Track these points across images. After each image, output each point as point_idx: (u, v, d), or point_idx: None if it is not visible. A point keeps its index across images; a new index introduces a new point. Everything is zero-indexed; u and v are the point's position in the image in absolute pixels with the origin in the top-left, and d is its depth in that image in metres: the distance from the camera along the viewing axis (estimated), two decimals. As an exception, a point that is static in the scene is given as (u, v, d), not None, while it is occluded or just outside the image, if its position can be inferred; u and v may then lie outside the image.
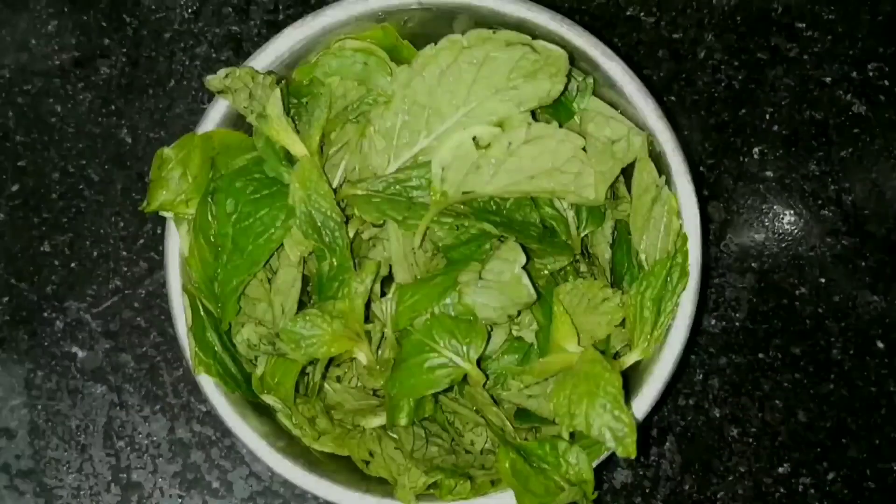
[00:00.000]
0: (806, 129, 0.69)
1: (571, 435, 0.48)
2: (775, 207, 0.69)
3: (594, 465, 0.50)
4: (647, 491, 0.67)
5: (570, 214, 0.55)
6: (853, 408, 0.67)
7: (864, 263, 0.68)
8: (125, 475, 0.68)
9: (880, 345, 0.68)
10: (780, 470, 0.67)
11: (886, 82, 0.69)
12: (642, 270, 0.53)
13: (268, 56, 0.54)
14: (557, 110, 0.54)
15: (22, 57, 0.71)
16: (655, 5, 0.70)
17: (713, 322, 0.68)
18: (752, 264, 0.68)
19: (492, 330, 0.52)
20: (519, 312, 0.52)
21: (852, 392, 0.68)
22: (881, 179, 0.69)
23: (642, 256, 0.54)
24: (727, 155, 0.69)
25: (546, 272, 0.53)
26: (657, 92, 0.69)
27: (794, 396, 0.68)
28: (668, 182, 0.53)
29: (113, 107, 0.70)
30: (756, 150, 0.69)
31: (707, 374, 0.68)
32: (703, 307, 0.68)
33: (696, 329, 0.68)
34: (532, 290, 0.49)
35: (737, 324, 0.68)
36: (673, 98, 0.70)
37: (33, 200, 0.70)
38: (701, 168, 0.69)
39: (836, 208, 0.69)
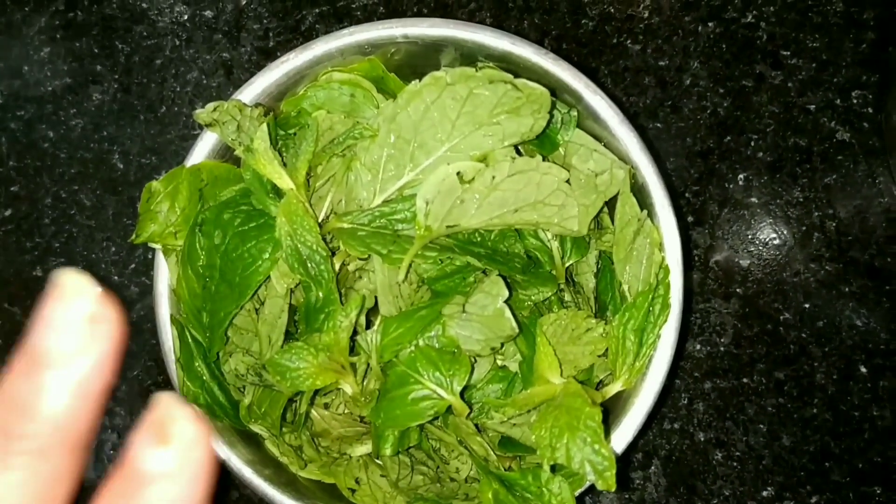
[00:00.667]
0: (790, 155, 0.70)
1: (552, 467, 0.48)
2: (760, 233, 0.70)
3: (576, 494, 0.50)
4: (633, 514, 0.68)
5: (555, 245, 0.55)
6: (837, 432, 0.68)
7: (847, 289, 0.69)
8: (116, 498, 0.68)
9: (863, 370, 0.68)
10: (765, 493, 0.68)
11: (870, 110, 0.70)
12: (625, 301, 0.54)
13: (256, 88, 0.55)
14: (542, 142, 0.55)
15: (15, 83, 0.71)
16: (641, 33, 0.71)
17: (698, 347, 0.69)
18: (737, 289, 0.69)
19: (476, 361, 0.53)
20: (502, 344, 0.52)
21: (836, 416, 0.68)
22: (865, 206, 0.69)
23: (625, 287, 0.55)
24: (712, 181, 0.70)
25: (530, 303, 0.54)
26: (643, 118, 0.70)
27: (778, 420, 0.68)
28: (651, 214, 0.54)
29: (105, 132, 0.71)
30: (741, 176, 0.70)
31: (692, 398, 0.69)
32: (687, 332, 0.69)
33: (681, 354, 0.69)
34: (514, 324, 0.50)
35: (721, 348, 0.69)
36: (659, 125, 0.71)
37: (26, 225, 0.70)
38: (686, 194, 0.70)
39: (820, 234, 0.69)
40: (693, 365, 0.69)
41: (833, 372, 0.68)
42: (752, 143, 0.70)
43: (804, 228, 0.70)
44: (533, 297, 0.54)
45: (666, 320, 0.53)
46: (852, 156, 0.70)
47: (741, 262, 0.69)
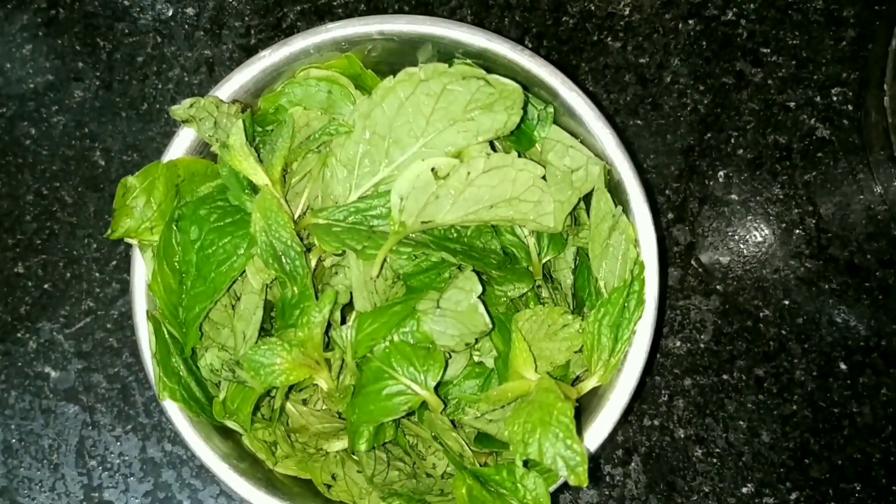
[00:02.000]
0: (770, 152, 0.70)
1: (525, 462, 0.48)
2: (740, 230, 0.70)
3: (552, 489, 0.50)
4: (613, 510, 0.68)
5: (531, 241, 0.56)
6: (816, 428, 0.68)
7: (827, 286, 0.69)
8: (97, 494, 0.69)
9: (843, 366, 0.69)
10: (744, 490, 0.68)
11: (849, 107, 0.70)
12: (601, 297, 0.54)
13: (233, 84, 0.55)
14: (518, 139, 0.55)
15: (-4, 80, 0.72)
16: (622, 30, 0.71)
17: (678, 343, 0.69)
18: (717, 286, 0.69)
19: (451, 357, 0.53)
20: (477, 340, 0.52)
21: (815, 413, 0.68)
22: (844, 203, 0.70)
23: (601, 283, 0.55)
24: (693, 178, 0.70)
25: (506, 298, 0.54)
26: (624, 115, 0.70)
27: (758, 417, 0.68)
28: (627, 210, 0.54)
29: (86, 129, 0.71)
30: (721, 173, 0.70)
31: (672, 395, 0.69)
32: (660, 332, 0.69)
33: (660, 350, 0.69)
34: (488, 320, 0.50)
35: (701, 345, 0.69)
36: (639, 122, 0.71)
37: (7, 222, 0.70)
38: (667, 191, 0.70)
39: (801, 231, 0.70)
40: (673, 362, 0.69)
41: (813, 369, 0.69)
42: (733, 141, 0.70)
43: (784, 225, 0.70)
44: (509, 293, 0.54)
45: (641, 316, 0.53)
46: (832, 153, 0.70)
47: (721, 258, 0.70)
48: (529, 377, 0.51)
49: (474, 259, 0.52)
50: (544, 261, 0.56)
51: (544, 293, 0.57)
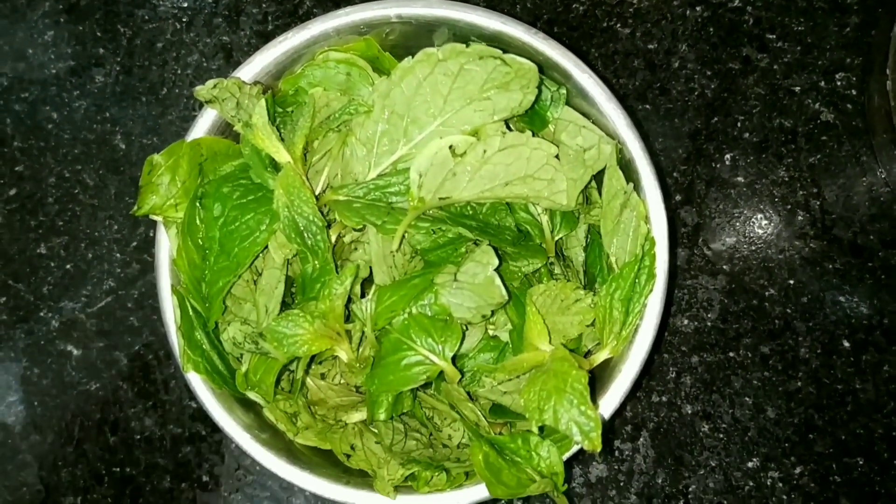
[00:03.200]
0: (776, 136, 0.72)
1: (541, 429, 0.50)
2: (746, 212, 0.71)
3: (565, 458, 0.52)
4: (622, 484, 0.70)
5: (545, 219, 0.57)
6: (820, 405, 0.70)
7: (831, 266, 0.71)
8: (118, 469, 0.70)
9: (846, 344, 0.70)
10: (750, 464, 0.70)
11: (853, 91, 0.72)
12: (612, 273, 0.55)
13: (255, 67, 0.57)
14: (532, 119, 0.57)
15: (19, 66, 0.73)
16: (631, 17, 0.73)
17: (685, 322, 0.71)
18: (724, 266, 0.71)
19: (467, 329, 0.55)
20: (493, 312, 0.54)
21: (819, 389, 0.70)
22: (848, 185, 0.71)
23: (612, 259, 0.56)
24: (700, 161, 0.72)
25: (520, 274, 0.56)
26: (632, 100, 0.72)
27: (764, 394, 0.70)
28: (637, 188, 0.55)
29: (107, 114, 0.73)
30: (728, 156, 0.72)
31: (679, 372, 0.70)
32: (669, 307, 0.71)
33: (666, 328, 0.70)
34: (504, 292, 0.52)
35: (708, 324, 0.71)
36: (648, 106, 0.72)
37: (30, 204, 0.72)
38: (674, 174, 0.72)
39: (805, 213, 0.71)
40: (680, 340, 0.71)
41: (817, 346, 0.70)
42: (739, 124, 0.72)
43: (789, 207, 0.71)
44: (523, 269, 0.56)
45: (651, 290, 0.54)
46: (836, 136, 0.72)
47: (728, 239, 0.71)
48: (544, 348, 0.53)
49: (490, 235, 0.54)
50: (557, 238, 0.58)
51: (556, 269, 0.58)
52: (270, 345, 0.52)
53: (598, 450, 0.48)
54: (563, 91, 0.57)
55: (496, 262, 0.52)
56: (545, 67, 0.57)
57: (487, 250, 0.52)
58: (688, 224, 0.72)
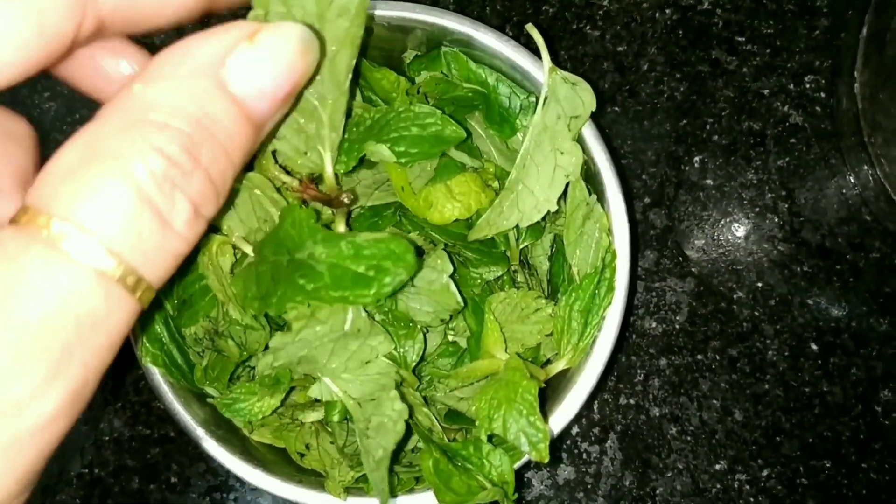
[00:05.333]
0: (745, 138, 0.72)
1: (489, 437, 0.50)
2: (715, 214, 0.71)
3: (516, 467, 0.52)
4: (589, 486, 0.70)
5: (510, 227, 0.57)
6: (788, 407, 0.70)
7: (799, 269, 0.71)
8: (87, 470, 0.71)
9: (814, 347, 0.70)
10: (717, 467, 0.70)
11: (822, 94, 0.72)
12: (573, 283, 0.56)
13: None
14: (502, 127, 0.57)
15: (-11, 68, 0.73)
16: (601, 19, 0.73)
17: (654, 324, 0.71)
18: (692, 269, 0.71)
19: (427, 332, 0.55)
20: (451, 317, 0.54)
21: (787, 392, 0.70)
22: (817, 188, 0.71)
23: (574, 270, 0.56)
24: (669, 164, 0.72)
25: (481, 281, 0.56)
26: (602, 103, 0.72)
27: (731, 396, 0.70)
28: (602, 199, 0.55)
29: (77, 115, 0.73)
30: (697, 158, 0.72)
31: (647, 374, 0.71)
32: (630, 315, 0.71)
33: (634, 331, 0.71)
34: (459, 298, 0.52)
35: (676, 326, 0.71)
36: (617, 108, 0.72)
37: (0, 206, 0.72)
38: (643, 176, 0.72)
39: (774, 216, 0.71)
40: (648, 342, 0.71)
41: (785, 349, 0.70)
42: (708, 127, 0.72)
43: (758, 210, 0.71)
44: (484, 276, 0.56)
45: (611, 303, 0.54)
46: (805, 139, 0.72)
47: (697, 242, 0.71)
48: (499, 357, 0.53)
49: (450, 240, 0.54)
50: (521, 246, 0.58)
51: (520, 278, 0.58)
52: (225, 343, 0.53)
53: (546, 461, 0.48)
54: (533, 99, 0.57)
55: (451, 268, 0.52)
56: (516, 74, 0.57)
57: (442, 255, 0.52)
58: (656, 226, 0.72)
